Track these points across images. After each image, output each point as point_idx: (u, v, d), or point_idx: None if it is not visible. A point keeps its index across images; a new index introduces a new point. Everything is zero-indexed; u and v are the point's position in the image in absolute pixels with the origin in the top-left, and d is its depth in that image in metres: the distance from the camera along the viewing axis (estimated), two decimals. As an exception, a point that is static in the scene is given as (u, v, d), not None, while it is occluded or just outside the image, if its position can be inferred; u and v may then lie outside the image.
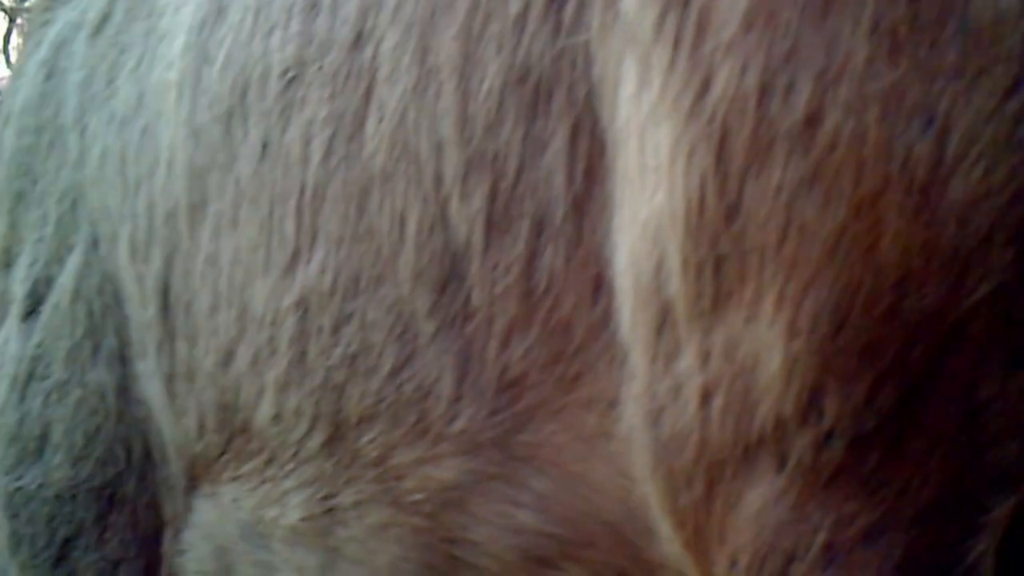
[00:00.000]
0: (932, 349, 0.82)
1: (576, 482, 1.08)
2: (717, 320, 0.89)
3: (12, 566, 1.62)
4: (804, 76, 0.81)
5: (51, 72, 1.69)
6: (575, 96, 1.02)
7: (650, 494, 0.99)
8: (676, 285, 0.90)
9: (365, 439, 1.22)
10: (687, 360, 0.91)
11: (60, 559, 1.55)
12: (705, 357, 0.90)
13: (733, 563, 0.92)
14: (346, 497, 1.26)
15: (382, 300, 1.17)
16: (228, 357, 1.32)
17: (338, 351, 1.22)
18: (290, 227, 1.25)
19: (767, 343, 0.85)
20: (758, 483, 0.89)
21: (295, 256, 1.25)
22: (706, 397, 0.90)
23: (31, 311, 1.62)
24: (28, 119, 1.70)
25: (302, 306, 1.24)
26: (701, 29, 0.86)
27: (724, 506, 0.92)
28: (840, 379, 0.83)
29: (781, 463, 0.88)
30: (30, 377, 1.59)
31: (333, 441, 1.25)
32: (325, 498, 1.27)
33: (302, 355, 1.25)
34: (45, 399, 1.57)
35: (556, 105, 1.03)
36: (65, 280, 1.58)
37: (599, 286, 1.02)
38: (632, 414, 0.99)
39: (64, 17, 1.74)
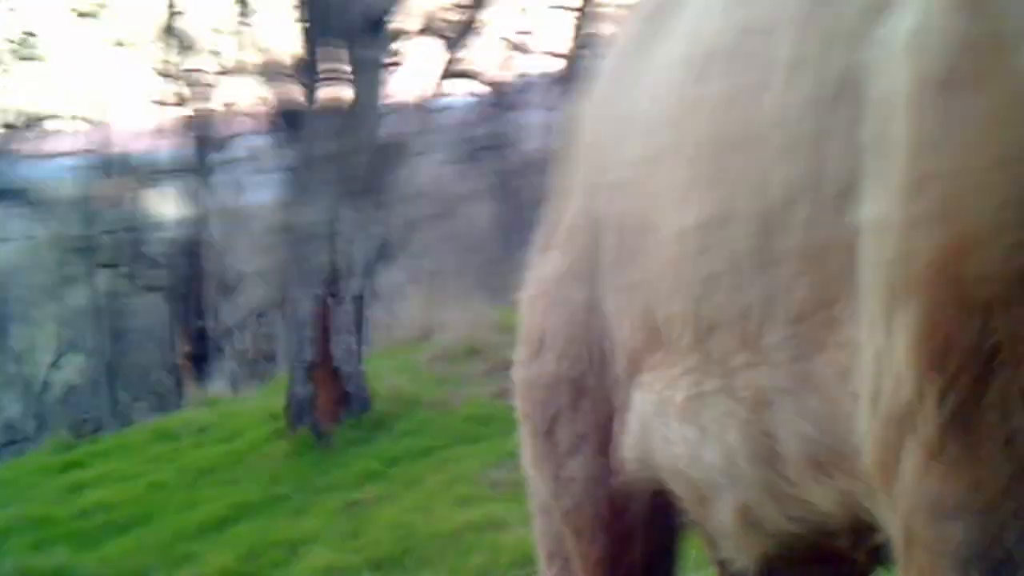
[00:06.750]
0: None
1: (836, 406, 1.31)
2: None
3: (524, 435, 2.15)
4: None
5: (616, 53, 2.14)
6: None
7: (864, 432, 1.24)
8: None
9: (713, 342, 1.51)
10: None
11: (548, 431, 2.05)
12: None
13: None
14: (707, 385, 1.55)
15: (723, 242, 1.47)
16: (645, 272, 1.69)
17: (697, 273, 1.52)
18: (681, 174, 1.57)
19: None
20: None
21: (683, 198, 1.57)
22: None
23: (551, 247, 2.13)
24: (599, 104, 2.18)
25: (681, 236, 1.56)
26: None
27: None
28: None
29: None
30: (542, 295, 2.10)
31: (696, 341, 1.55)
32: (696, 383, 1.58)
33: (678, 272, 1.57)
34: (546, 312, 2.07)
35: None
36: (567, 219, 2.05)
37: (843, 265, 1.25)
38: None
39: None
